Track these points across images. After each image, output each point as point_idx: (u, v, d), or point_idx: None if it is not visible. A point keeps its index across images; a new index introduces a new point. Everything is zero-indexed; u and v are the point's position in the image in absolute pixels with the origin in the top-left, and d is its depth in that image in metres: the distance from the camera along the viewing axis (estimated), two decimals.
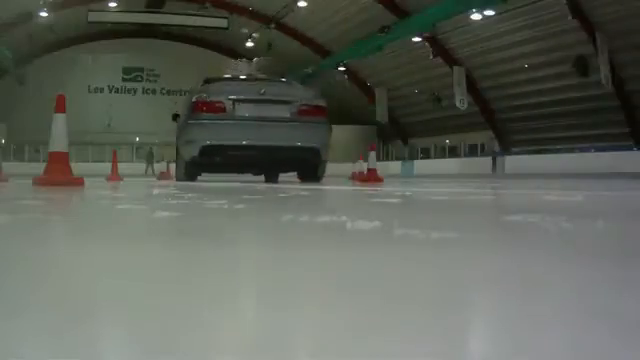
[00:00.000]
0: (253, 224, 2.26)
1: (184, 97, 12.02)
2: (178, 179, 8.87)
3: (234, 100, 7.55)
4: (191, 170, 8.22)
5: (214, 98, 7.60)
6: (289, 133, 7.57)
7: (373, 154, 12.32)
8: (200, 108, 7.53)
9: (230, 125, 7.52)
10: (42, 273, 1.04)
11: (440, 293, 0.87)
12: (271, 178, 9.54)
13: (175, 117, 9.22)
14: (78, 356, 0.55)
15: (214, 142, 7.52)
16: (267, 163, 8.30)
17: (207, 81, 8.53)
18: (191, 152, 7.73)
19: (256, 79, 9.65)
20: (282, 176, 10.36)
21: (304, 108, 7.71)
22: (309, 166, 8.11)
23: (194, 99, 7.73)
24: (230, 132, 7.52)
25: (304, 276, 1.02)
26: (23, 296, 0.83)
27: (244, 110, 7.51)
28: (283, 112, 7.60)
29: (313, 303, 0.81)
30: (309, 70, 35.46)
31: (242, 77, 9.80)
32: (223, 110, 7.47)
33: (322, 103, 8.03)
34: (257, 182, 8.68)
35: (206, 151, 7.58)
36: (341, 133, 39.88)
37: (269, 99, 7.64)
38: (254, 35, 36.20)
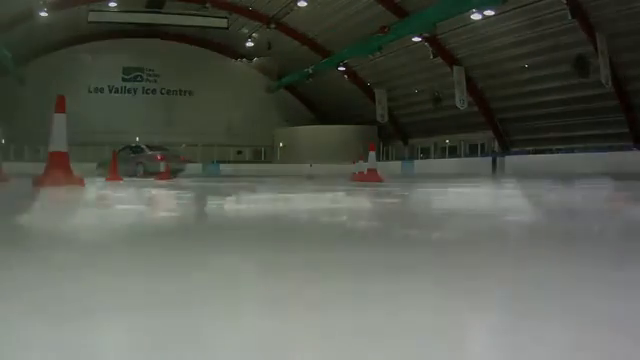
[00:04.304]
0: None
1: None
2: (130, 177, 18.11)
3: (163, 155, 20.71)
4: (148, 174, 19.10)
5: (155, 154, 20.67)
6: (175, 164, 20.12)
7: (373, 154, 12.33)
8: (155, 157, 20.55)
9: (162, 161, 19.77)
10: (43, 271, 1.04)
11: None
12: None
13: (119, 151, 19.66)
14: None
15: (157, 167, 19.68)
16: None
17: (149, 147, 21.50)
18: (156, 169, 18.93)
19: (162, 148, 21.93)
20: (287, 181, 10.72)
21: (180, 157, 21.87)
22: (179, 172, 19.55)
23: (156, 156, 20.47)
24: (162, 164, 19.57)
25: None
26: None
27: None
28: (174, 157, 21.03)
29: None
30: (309, 70, 35.38)
31: (161, 147, 22.32)
32: (162, 158, 20.18)
33: (183, 156, 22.58)
34: (254, 183, 8.70)
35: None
36: (341, 133, 39.78)
37: (171, 155, 21.08)
38: (254, 35, 36.16)
